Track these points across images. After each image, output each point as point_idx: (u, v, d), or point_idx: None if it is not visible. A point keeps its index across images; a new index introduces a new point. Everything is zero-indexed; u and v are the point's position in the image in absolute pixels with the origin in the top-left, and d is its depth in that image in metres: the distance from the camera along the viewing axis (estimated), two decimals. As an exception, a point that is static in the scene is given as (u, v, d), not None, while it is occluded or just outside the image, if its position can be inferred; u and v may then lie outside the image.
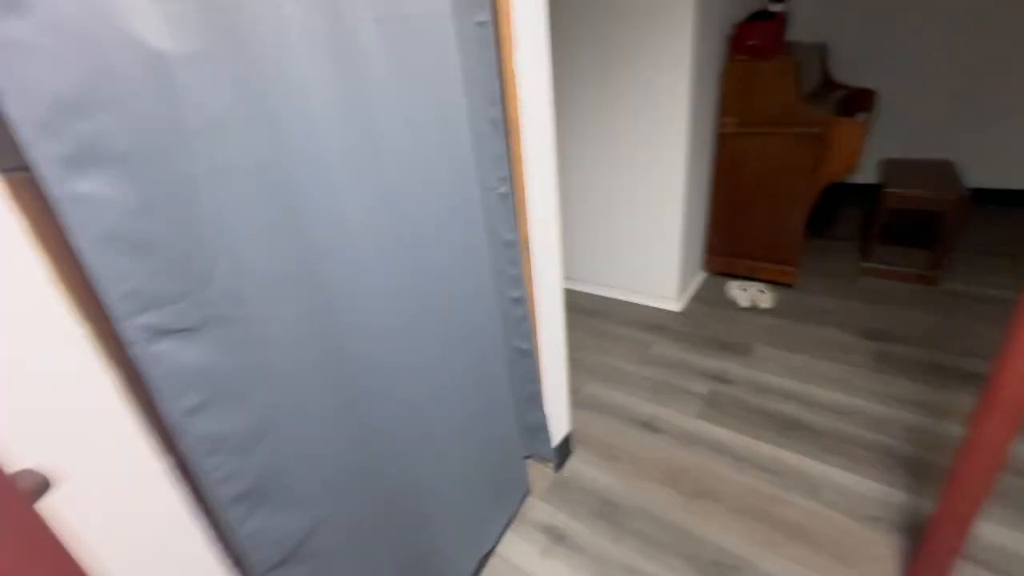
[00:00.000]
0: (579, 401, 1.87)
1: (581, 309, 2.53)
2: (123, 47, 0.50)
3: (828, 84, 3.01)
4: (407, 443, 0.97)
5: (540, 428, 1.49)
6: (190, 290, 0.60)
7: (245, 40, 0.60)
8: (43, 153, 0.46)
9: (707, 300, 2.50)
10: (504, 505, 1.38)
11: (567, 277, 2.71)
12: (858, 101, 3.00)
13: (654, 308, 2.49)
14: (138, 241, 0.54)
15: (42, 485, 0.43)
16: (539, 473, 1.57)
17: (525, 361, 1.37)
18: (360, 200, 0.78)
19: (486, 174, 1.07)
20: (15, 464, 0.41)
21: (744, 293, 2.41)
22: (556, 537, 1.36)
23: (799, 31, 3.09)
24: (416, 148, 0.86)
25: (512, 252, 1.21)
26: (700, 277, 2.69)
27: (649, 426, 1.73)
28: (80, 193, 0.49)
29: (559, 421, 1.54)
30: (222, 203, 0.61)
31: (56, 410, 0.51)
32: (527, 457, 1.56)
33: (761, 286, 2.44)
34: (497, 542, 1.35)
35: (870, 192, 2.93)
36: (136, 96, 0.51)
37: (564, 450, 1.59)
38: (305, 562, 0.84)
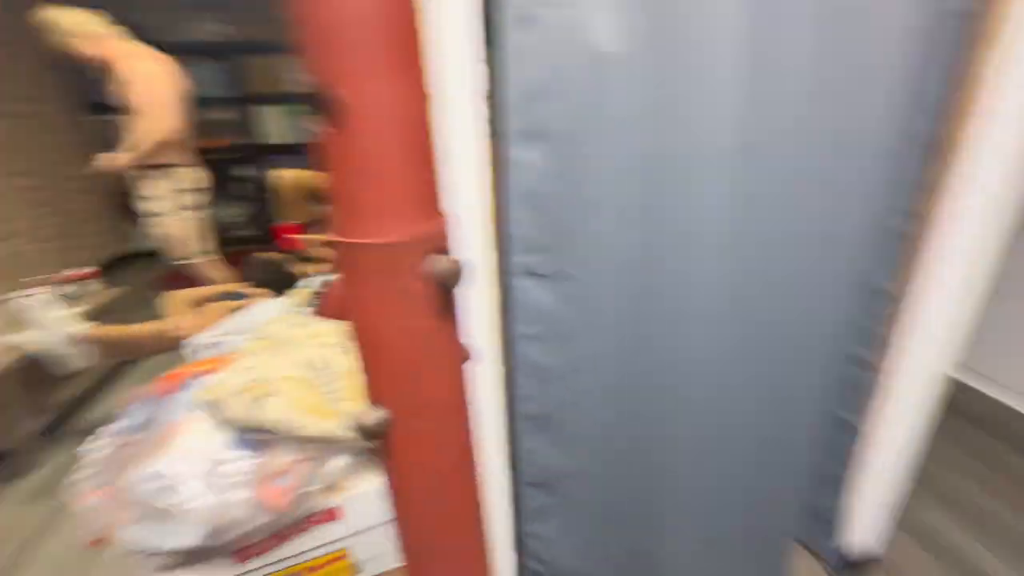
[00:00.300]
0: (906, 524, 1.39)
1: (964, 412, 1.81)
2: (581, 50, 0.64)
3: None
4: (672, 450, 0.96)
5: (828, 520, 1.20)
6: (557, 246, 0.74)
7: (674, 42, 0.66)
8: (511, 127, 0.65)
9: None
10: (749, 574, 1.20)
11: (959, 363, 1.96)
12: None
13: (1117, 466, 1.55)
14: (540, 201, 0.71)
15: (467, 355, 0.65)
16: (809, 568, 1.28)
17: (841, 436, 1.10)
18: (718, 204, 0.77)
19: (879, 201, 0.87)
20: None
21: None
22: (801, 651, 1.11)
23: None
24: (800, 157, 0.77)
25: (878, 303, 0.97)
26: None
27: (1021, 622, 1.14)
28: (521, 159, 0.67)
29: (864, 529, 1.20)
30: (606, 182, 0.71)
31: (471, 308, 0.74)
32: (799, 542, 1.30)
33: None
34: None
35: None
36: (579, 88, 0.65)
37: (857, 567, 1.24)
38: (552, 494, 0.97)
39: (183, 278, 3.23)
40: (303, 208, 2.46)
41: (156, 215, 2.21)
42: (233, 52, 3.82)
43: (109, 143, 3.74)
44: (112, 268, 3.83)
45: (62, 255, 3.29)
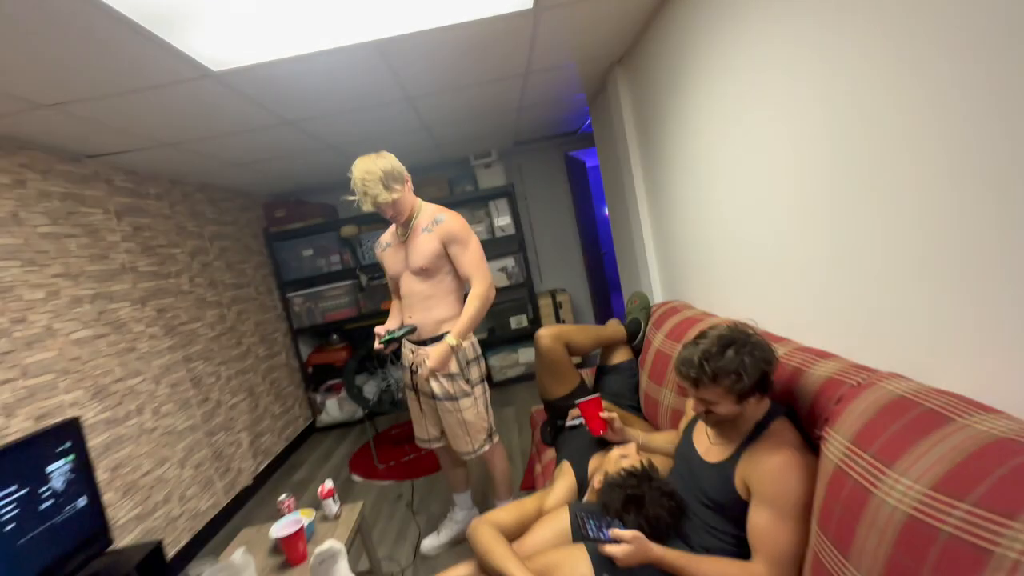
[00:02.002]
0: None
1: None
2: None
3: None
4: None
5: None
6: None
7: None
8: None
9: None
10: None
11: None
12: None
13: None
14: None
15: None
16: None
17: None
18: None
19: None
20: None
21: None
22: None
23: None
24: None
25: None
26: None
27: None
28: None
29: None
30: None
31: None
32: None
33: None
34: None
35: None
36: None
37: None
38: None
39: (388, 451, 2.76)
40: (569, 372, 1.91)
41: (452, 398, 1.75)
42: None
43: (298, 317, 3.72)
44: (298, 444, 3.51)
45: (252, 443, 2.99)
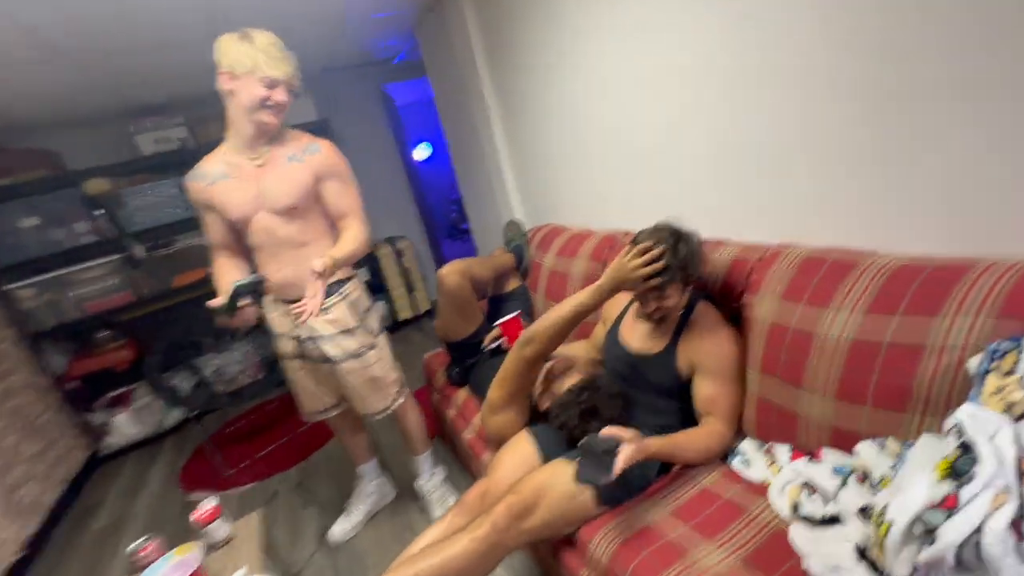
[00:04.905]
0: None
1: None
2: None
3: None
4: None
5: None
6: None
7: None
8: None
9: None
10: None
11: None
12: None
13: None
14: None
15: None
16: None
17: None
18: None
19: None
20: None
21: None
22: None
23: None
24: None
25: None
26: None
27: None
28: None
29: None
30: None
31: None
32: None
33: None
34: None
35: None
36: None
37: None
38: None
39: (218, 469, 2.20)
40: (475, 309, 1.80)
41: (355, 355, 1.48)
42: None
43: (35, 316, 2.53)
44: (80, 483, 2.57)
45: (8, 502, 2.08)
